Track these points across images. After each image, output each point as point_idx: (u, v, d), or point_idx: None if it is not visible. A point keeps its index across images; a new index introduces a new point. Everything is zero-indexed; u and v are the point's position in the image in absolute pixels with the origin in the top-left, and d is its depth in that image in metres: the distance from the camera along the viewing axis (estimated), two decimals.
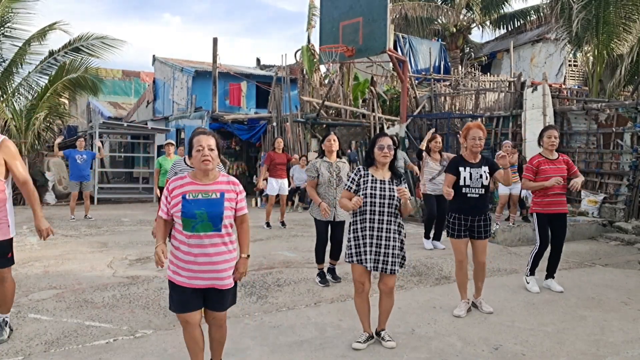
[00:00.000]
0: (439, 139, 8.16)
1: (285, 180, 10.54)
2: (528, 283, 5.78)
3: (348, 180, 4.13)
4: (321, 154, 5.93)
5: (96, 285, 5.76)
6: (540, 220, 5.70)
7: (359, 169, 4.15)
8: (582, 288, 5.88)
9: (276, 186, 10.35)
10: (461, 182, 4.83)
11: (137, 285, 5.82)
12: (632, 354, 4.01)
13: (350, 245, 4.05)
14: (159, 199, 9.46)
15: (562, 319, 4.81)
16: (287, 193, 10.69)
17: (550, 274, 5.82)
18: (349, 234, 4.09)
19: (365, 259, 3.98)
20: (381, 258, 3.97)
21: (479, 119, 13.63)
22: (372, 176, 4.05)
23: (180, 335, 4.25)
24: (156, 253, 3.09)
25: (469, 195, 4.82)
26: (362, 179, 4.05)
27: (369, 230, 3.97)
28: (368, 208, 3.97)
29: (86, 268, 6.64)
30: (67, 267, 6.64)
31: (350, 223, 4.14)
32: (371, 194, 3.98)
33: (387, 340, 4.09)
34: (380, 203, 3.96)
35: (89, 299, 5.28)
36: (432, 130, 9.62)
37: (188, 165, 4.73)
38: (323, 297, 5.45)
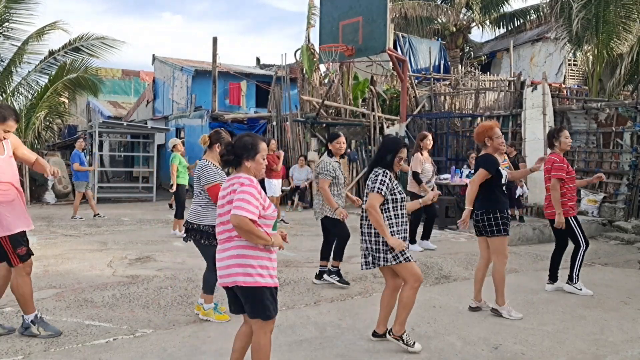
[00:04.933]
0: (430, 137, 8.15)
1: (273, 181, 10.58)
2: (581, 290, 5.60)
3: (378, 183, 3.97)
4: (329, 153, 5.87)
5: (96, 285, 5.76)
6: (576, 221, 5.63)
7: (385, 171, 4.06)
8: None
9: (267, 186, 10.49)
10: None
11: (136, 284, 5.82)
12: (632, 354, 4.01)
13: None
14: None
15: (561, 318, 4.81)
16: (276, 194, 10.67)
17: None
18: None
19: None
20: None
21: (479, 119, 13.65)
22: None
23: (180, 335, 4.28)
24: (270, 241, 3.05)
25: None
26: None
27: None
28: None
29: (86, 267, 6.64)
30: (66, 267, 6.64)
31: None
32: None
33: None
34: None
35: (88, 298, 5.28)
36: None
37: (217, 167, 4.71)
38: (323, 296, 5.46)
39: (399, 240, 3.89)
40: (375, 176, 3.98)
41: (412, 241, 7.95)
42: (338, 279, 5.81)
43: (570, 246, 5.74)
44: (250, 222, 2.95)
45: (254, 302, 3.07)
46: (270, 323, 3.15)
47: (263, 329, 3.13)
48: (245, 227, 2.94)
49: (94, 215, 11.49)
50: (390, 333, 4.02)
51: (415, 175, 7.97)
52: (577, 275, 5.61)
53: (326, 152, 5.93)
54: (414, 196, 7.98)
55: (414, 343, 3.96)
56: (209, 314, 4.66)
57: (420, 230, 8.23)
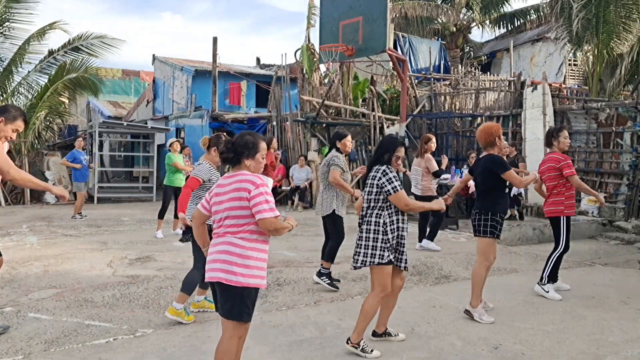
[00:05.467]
0: (434, 139, 8.20)
1: (269, 180, 10.53)
2: (548, 292, 5.49)
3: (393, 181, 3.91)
4: (337, 150, 5.90)
5: (96, 285, 5.76)
6: (567, 223, 5.58)
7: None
8: (581, 287, 5.88)
9: None
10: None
11: (137, 284, 5.82)
12: (632, 354, 4.01)
13: None
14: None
15: (561, 318, 4.81)
16: None
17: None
18: None
19: None
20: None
21: (479, 119, 13.65)
22: None
23: (180, 335, 4.28)
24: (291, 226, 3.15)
25: None
26: None
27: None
28: None
29: (86, 267, 6.64)
30: (66, 267, 6.64)
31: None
32: None
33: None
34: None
35: (88, 298, 5.28)
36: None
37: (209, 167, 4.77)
38: (323, 296, 5.46)
39: (440, 201, 4.13)
40: (382, 175, 3.88)
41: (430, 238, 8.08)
42: (328, 281, 5.74)
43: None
44: (277, 220, 3.00)
45: (233, 302, 3.00)
46: (244, 328, 3.07)
47: (235, 331, 3.04)
48: (276, 227, 3.00)
49: (72, 216, 11.27)
50: (348, 341, 3.92)
51: (437, 173, 7.92)
52: (547, 277, 5.54)
53: (334, 149, 5.94)
54: (426, 199, 7.92)
55: (372, 350, 3.89)
56: (180, 314, 4.50)
57: (414, 230, 8.22)
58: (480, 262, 4.80)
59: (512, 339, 4.27)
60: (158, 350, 3.96)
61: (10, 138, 4.11)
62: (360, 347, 3.87)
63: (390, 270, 3.90)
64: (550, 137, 5.71)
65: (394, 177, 3.89)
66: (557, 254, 5.54)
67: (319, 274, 5.84)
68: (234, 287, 2.98)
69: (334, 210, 5.78)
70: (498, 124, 5.06)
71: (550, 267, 5.53)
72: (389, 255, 3.84)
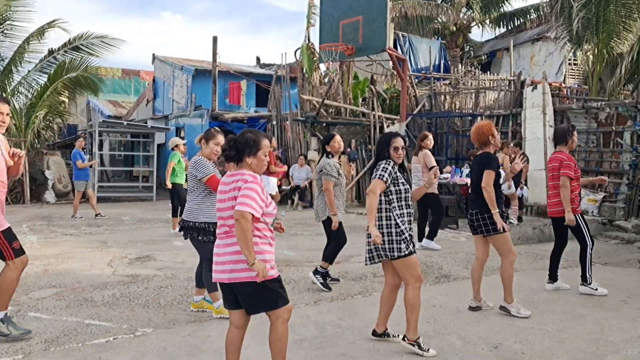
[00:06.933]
0: (431, 137, 8.21)
1: (271, 179, 10.45)
2: (597, 290, 5.53)
3: (382, 171, 3.92)
4: (327, 154, 5.86)
5: (96, 284, 5.76)
6: (583, 219, 5.62)
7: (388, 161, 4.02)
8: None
9: (264, 183, 10.42)
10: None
11: (137, 283, 5.82)
12: (632, 353, 4.01)
13: None
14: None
15: (561, 317, 4.81)
16: (272, 193, 10.52)
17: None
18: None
19: None
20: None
21: (479, 118, 13.64)
22: None
23: (180, 334, 4.28)
24: (262, 270, 2.99)
25: None
26: None
27: None
28: None
29: (86, 267, 6.64)
30: (66, 266, 6.64)
31: None
32: None
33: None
34: None
35: (88, 297, 5.28)
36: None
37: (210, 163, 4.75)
38: (323, 295, 5.46)
39: (379, 232, 3.80)
40: (379, 166, 3.97)
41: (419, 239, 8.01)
42: (322, 281, 5.70)
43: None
44: (251, 220, 2.99)
45: (262, 295, 3.09)
46: (286, 311, 3.16)
47: (280, 318, 3.14)
48: (245, 225, 2.95)
49: (95, 216, 11.43)
50: (405, 339, 3.95)
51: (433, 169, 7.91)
52: (591, 275, 5.57)
53: (325, 154, 5.93)
54: (429, 197, 7.89)
55: (429, 349, 3.90)
56: (222, 311, 4.55)
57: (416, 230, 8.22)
58: (508, 259, 4.80)
59: (512, 338, 4.27)
60: (158, 350, 3.96)
61: (3, 122, 4.08)
62: (418, 345, 3.88)
63: (417, 259, 3.95)
64: (566, 135, 5.66)
65: (386, 168, 3.89)
66: (589, 252, 5.54)
67: (315, 272, 5.79)
68: (258, 283, 3.03)
69: (328, 216, 5.77)
70: (489, 122, 5.02)
71: (589, 266, 5.53)
72: (407, 247, 3.86)
